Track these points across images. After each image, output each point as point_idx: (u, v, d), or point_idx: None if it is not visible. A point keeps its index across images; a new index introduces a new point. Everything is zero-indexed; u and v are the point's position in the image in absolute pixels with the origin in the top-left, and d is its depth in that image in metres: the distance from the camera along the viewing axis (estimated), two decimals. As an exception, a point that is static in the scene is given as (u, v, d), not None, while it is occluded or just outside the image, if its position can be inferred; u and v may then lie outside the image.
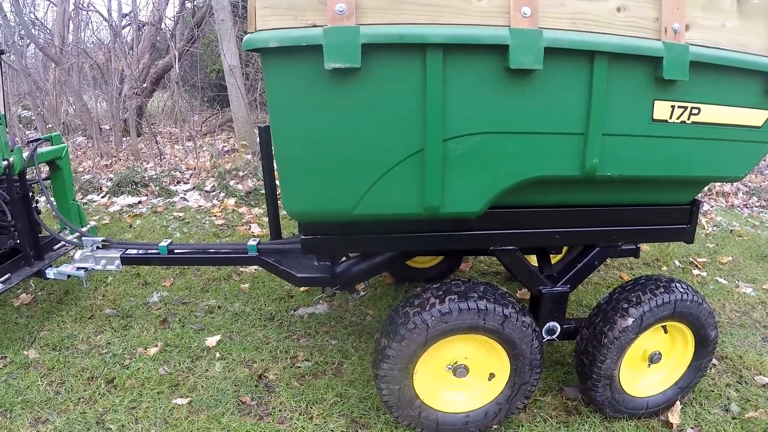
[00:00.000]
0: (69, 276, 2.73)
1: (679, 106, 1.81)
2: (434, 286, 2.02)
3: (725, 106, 1.87)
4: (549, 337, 2.24)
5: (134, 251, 2.64)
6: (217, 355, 2.65)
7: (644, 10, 1.69)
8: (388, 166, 1.71)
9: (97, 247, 2.68)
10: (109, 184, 5.19)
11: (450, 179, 1.74)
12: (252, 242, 2.47)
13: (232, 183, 5.15)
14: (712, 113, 1.86)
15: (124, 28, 7.57)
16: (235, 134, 6.48)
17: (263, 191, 5.00)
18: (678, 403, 2.28)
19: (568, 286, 2.19)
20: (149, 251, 2.61)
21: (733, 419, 2.32)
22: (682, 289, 2.08)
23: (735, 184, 5.72)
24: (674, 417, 2.24)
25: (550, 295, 2.17)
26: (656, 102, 1.78)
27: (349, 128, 1.66)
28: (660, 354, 2.18)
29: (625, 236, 2.14)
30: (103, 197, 5.05)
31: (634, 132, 1.80)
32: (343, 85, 1.60)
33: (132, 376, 2.49)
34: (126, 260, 2.62)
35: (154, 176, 5.24)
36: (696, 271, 3.69)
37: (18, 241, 2.85)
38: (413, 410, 2.05)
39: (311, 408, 2.30)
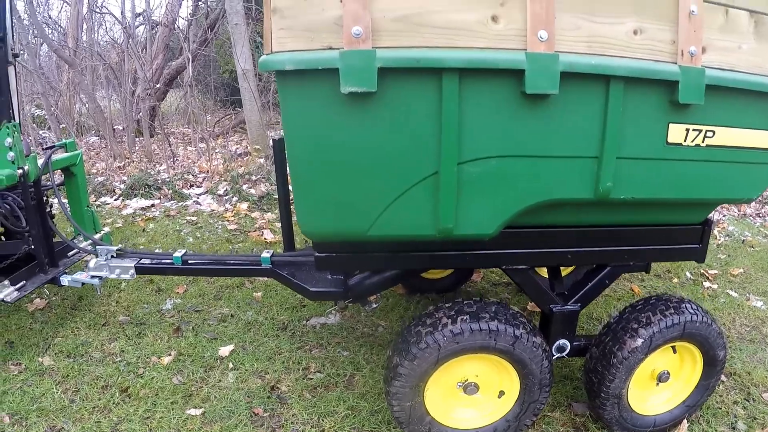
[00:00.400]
0: (83, 283, 2.76)
1: (693, 129, 1.80)
2: (446, 305, 2.02)
3: (740, 128, 1.86)
4: (559, 355, 2.23)
5: (148, 261, 2.67)
6: (230, 365, 2.67)
7: (661, 33, 1.69)
8: (402, 189, 1.71)
9: (112, 256, 2.70)
10: (122, 186, 5.23)
11: (464, 202, 1.74)
12: (266, 254, 2.48)
13: (244, 187, 5.17)
14: (726, 136, 1.84)
15: (137, 27, 7.63)
16: (248, 136, 6.51)
17: (275, 196, 5.04)
18: (685, 421, 2.27)
19: (579, 304, 2.19)
20: (163, 261, 2.63)
21: (741, 438, 2.31)
22: (692, 310, 2.07)
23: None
24: None
25: (561, 314, 2.17)
26: (671, 125, 1.77)
27: (365, 150, 1.66)
28: (668, 373, 2.18)
29: (637, 256, 2.13)
30: (116, 200, 5.09)
31: (648, 155, 1.79)
32: (358, 108, 1.60)
33: (146, 386, 2.51)
34: (140, 270, 2.64)
35: (167, 179, 5.28)
36: (707, 284, 3.67)
37: (32, 247, 2.88)
38: (424, 426, 2.06)
39: (323, 421, 2.31)
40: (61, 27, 7.87)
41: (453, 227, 1.77)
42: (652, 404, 2.24)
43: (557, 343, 2.21)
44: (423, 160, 1.68)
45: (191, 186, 5.32)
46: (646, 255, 2.15)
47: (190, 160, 6.13)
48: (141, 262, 2.65)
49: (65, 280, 2.79)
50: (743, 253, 4.29)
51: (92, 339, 2.89)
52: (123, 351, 2.79)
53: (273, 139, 2.51)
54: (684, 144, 1.81)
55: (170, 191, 5.11)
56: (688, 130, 1.79)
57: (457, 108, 1.60)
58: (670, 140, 1.78)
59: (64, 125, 6.63)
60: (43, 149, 3.17)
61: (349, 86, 1.53)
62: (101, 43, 7.64)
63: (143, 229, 4.48)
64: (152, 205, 4.95)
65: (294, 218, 2.18)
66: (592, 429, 2.29)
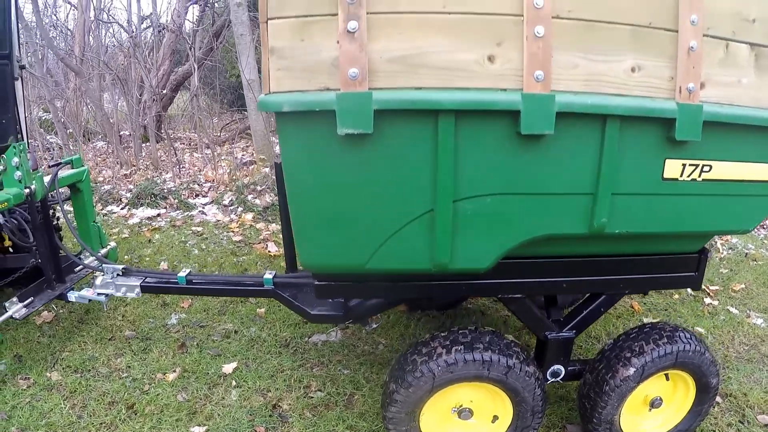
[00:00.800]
0: (90, 300, 2.81)
1: (690, 164, 1.80)
2: (442, 334, 2.05)
3: (738, 162, 1.87)
4: (554, 379, 2.26)
5: (153, 280, 2.71)
6: (233, 382, 2.71)
7: (660, 69, 1.69)
8: (399, 225, 1.74)
9: (117, 275, 2.75)
10: (128, 195, 5.29)
11: (460, 237, 1.77)
12: (268, 275, 2.52)
13: (249, 197, 5.21)
14: (724, 170, 1.85)
15: (144, 30, 7.68)
16: (253, 143, 6.57)
17: (276, 189, 5.07)
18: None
19: (574, 331, 2.21)
20: (168, 280, 2.68)
21: (736, 461, 2.32)
22: (685, 339, 2.08)
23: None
24: None
25: (556, 340, 2.20)
26: (667, 161, 1.78)
27: (362, 188, 1.69)
28: (661, 399, 2.20)
29: (632, 284, 2.15)
30: (122, 209, 5.15)
31: (643, 191, 1.80)
32: (355, 148, 1.63)
33: (151, 402, 2.56)
34: (145, 288, 2.68)
35: (173, 188, 5.33)
36: (708, 300, 3.67)
37: (39, 261, 2.94)
38: (419, 451, 2.09)
39: None
40: (69, 30, 7.95)
41: (448, 262, 1.79)
42: (645, 429, 2.27)
43: (552, 368, 2.24)
44: (419, 197, 1.70)
45: (197, 195, 5.37)
46: (641, 284, 2.16)
47: (196, 168, 6.19)
48: (146, 280, 2.69)
49: (73, 296, 2.84)
50: (746, 267, 4.28)
51: (99, 354, 2.94)
52: (129, 367, 2.83)
53: (275, 163, 2.54)
54: (680, 179, 1.82)
55: (176, 201, 5.17)
56: (684, 165, 1.80)
57: (453, 148, 1.62)
58: (666, 176, 1.80)
59: (71, 130, 6.69)
60: (49, 166, 3.23)
61: (345, 128, 1.56)
62: (108, 46, 7.70)
63: (149, 240, 4.54)
64: (158, 215, 5.01)
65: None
66: None
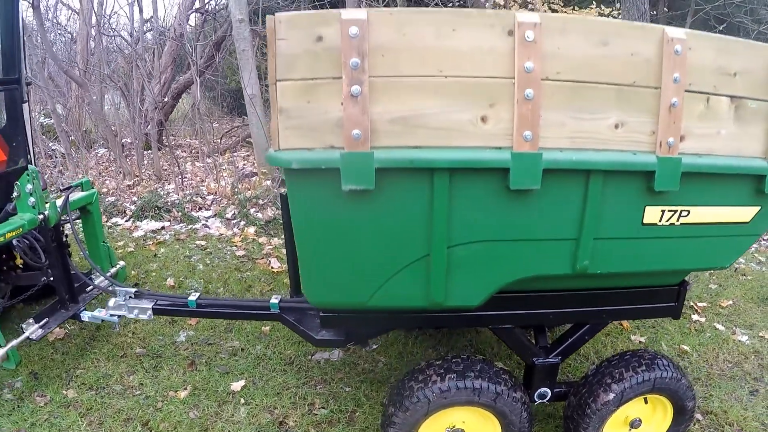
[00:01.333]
0: (103, 320, 2.98)
1: (669, 210, 1.97)
2: (437, 362, 2.22)
3: (715, 206, 2.04)
4: (541, 401, 2.44)
5: (165, 302, 2.88)
6: (242, 400, 2.88)
7: (642, 125, 1.84)
8: (397, 268, 1.91)
9: (130, 297, 2.91)
10: (132, 207, 5.45)
11: (453, 278, 1.94)
12: (274, 300, 2.69)
13: (252, 211, 5.38)
14: (701, 214, 2.02)
15: (145, 33, 7.79)
16: (255, 154, 6.72)
17: (281, 221, 5.24)
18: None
19: (560, 357, 2.40)
20: (178, 304, 2.84)
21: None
22: (662, 366, 2.26)
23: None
24: None
25: (543, 365, 2.38)
26: (647, 207, 1.95)
27: (364, 236, 1.86)
28: (640, 420, 2.39)
29: (615, 315, 2.35)
30: (126, 221, 5.31)
31: (624, 235, 1.97)
32: (358, 201, 1.79)
33: (165, 419, 2.73)
34: (157, 311, 2.85)
35: (177, 201, 5.49)
36: (695, 317, 3.85)
37: (51, 279, 3.10)
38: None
39: None
40: (69, 33, 8.08)
41: (443, 300, 1.97)
42: None
43: (539, 390, 2.42)
44: (416, 244, 1.87)
45: (200, 209, 5.53)
46: (624, 314, 2.36)
47: (198, 178, 6.34)
48: (158, 303, 2.86)
49: (86, 316, 3.01)
50: (735, 283, 4.45)
51: (112, 371, 3.11)
52: (142, 384, 3.01)
53: (280, 194, 2.71)
54: (659, 224, 1.99)
55: (180, 213, 5.33)
56: (663, 211, 1.97)
57: (447, 201, 1.79)
58: (645, 221, 1.97)
59: (72, 137, 6.83)
60: (60, 190, 3.39)
61: (349, 185, 1.73)
62: (110, 53, 7.81)
63: (155, 255, 4.70)
64: (162, 228, 5.17)
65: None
66: None
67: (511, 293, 2.16)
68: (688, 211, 2.00)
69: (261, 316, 2.83)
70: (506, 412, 2.17)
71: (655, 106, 1.84)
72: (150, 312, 2.86)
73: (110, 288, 3.08)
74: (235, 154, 7.45)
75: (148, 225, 5.17)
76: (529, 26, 1.68)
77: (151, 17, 7.63)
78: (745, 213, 2.09)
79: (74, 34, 8.23)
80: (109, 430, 2.69)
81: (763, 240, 5.51)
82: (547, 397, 2.43)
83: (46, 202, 2.97)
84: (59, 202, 3.09)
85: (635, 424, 2.37)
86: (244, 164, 6.87)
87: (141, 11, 6.71)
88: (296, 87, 1.73)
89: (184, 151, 7.26)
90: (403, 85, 1.73)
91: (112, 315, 2.93)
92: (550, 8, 7.10)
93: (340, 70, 1.69)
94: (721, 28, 7.84)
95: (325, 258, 1.92)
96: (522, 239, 1.91)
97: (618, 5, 7.06)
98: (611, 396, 2.21)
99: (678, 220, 2.00)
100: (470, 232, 1.87)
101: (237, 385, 2.98)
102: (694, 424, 2.78)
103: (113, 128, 6.28)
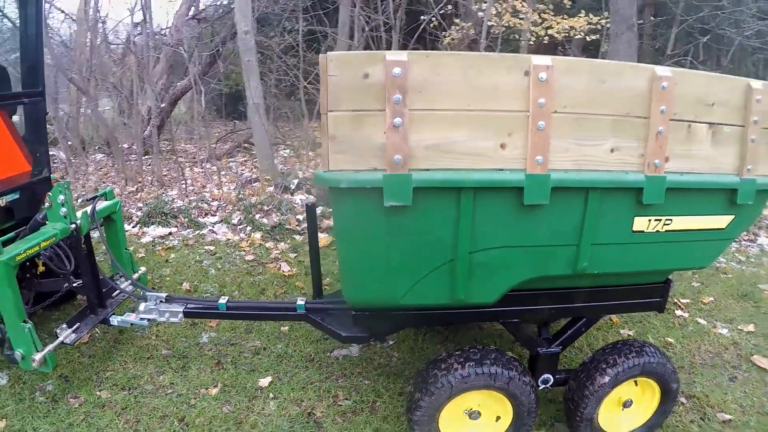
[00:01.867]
0: (132, 324, 3.29)
1: (654, 219, 2.41)
2: (456, 352, 2.63)
3: (694, 216, 2.48)
4: (544, 386, 2.87)
5: (195, 306, 3.22)
6: (270, 395, 3.25)
7: (633, 149, 2.27)
8: (427, 271, 2.32)
9: (161, 301, 3.24)
10: (139, 213, 5.75)
11: (474, 279, 2.36)
12: (300, 301, 3.07)
13: (257, 216, 5.74)
14: (682, 222, 2.46)
15: (136, 36, 8.04)
16: (252, 156, 7.05)
17: (287, 226, 5.62)
18: (648, 439, 2.93)
19: (560, 347, 2.83)
20: (210, 307, 3.19)
21: (695, 452, 2.96)
22: (650, 353, 2.71)
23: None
24: None
25: (545, 355, 2.82)
26: (636, 218, 2.38)
27: (400, 244, 2.26)
28: (632, 401, 2.84)
29: (607, 310, 2.83)
30: (134, 227, 5.62)
31: (616, 241, 2.40)
32: (397, 215, 2.19)
33: (200, 415, 3.08)
34: (188, 314, 3.19)
35: (183, 207, 5.82)
36: (679, 312, 4.33)
37: (74, 285, 3.35)
38: (439, 447, 2.68)
39: None
40: (62, 39, 8.28)
41: (464, 298, 2.38)
42: (619, 425, 2.89)
43: (542, 377, 2.85)
44: (443, 251, 2.28)
45: (206, 214, 5.86)
46: (615, 308, 2.81)
47: (199, 183, 6.66)
48: (188, 306, 3.20)
49: (115, 320, 3.28)
50: (716, 281, 4.96)
51: (141, 372, 3.45)
52: (172, 383, 3.35)
53: (306, 204, 3.09)
54: (646, 231, 2.42)
55: (186, 219, 5.66)
56: (650, 220, 2.41)
57: (471, 215, 2.20)
58: (634, 229, 2.40)
59: (71, 142, 7.07)
60: (86, 200, 3.70)
61: (390, 201, 2.12)
62: (110, 57, 8.03)
63: (166, 260, 5.03)
64: (170, 234, 5.49)
65: (322, 269, 2.77)
66: None
67: (520, 291, 2.59)
68: (671, 220, 2.44)
69: (288, 317, 3.21)
70: (517, 394, 2.60)
71: (645, 133, 2.26)
72: (181, 315, 3.18)
73: (140, 293, 3.40)
74: (232, 159, 7.79)
75: (155, 231, 5.49)
76: (542, 68, 2.10)
77: (143, 21, 7.88)
78: (721, 221, 2.54)
79: (67, 39, 8.44)
80: (146, 427, 2.99)
81: (744, 240, 6.06)
82: (550, 383, 2.86)
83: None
84: (88, 210, 3.40)
85: (627, 404, 2.82)
86: (242, 169, 7.21)
87: (147, 18, 6.98)
88: (345, 117, 2.12)
89: (181, 157, 7.56)
90: (436, 117, 2.13)
91: (142, 319, 3.24)
92: (540, 17, 7.58)
93: (384, 104, 2.08)
94: (705, 40, 8.44)
95: (365, 263, 2.32)
96: (532, 245, 2.33)
97: (606, 14, 7.57)
98: (606, 379, 2.65)
99: (662, 228, 2.44)
100: (489, 240, 2.29)
101: (264, 381, 3.35)
102: (679, 407, 3.23)
103: (115, 134, 6.57)
